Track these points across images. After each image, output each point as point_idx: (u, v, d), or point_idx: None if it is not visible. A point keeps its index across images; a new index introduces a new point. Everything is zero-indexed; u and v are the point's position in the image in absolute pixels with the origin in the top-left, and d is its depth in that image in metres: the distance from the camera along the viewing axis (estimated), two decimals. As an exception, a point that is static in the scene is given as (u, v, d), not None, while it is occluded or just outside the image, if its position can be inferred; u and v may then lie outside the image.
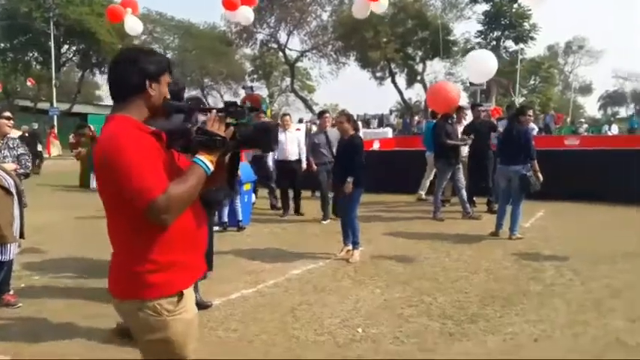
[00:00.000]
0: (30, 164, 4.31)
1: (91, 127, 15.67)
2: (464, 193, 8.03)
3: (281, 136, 8.26)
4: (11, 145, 4.16)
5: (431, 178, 9.47)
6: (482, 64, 7.98)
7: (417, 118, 30.34)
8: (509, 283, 4.81)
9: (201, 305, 3.99)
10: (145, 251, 1.74)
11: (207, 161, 1.74)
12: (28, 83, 32.95)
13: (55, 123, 27.71)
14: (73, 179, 13.94)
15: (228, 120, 1.81)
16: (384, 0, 8.60)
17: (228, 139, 1.78)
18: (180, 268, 1.80)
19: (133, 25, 9.11)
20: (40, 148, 18.94)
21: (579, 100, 63.28)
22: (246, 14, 9.39)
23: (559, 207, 8.40)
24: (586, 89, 65.06)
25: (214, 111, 1.80)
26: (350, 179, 5.61)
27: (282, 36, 38.52)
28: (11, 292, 4.47)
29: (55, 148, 24.28)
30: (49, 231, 7.39)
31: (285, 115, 9.18)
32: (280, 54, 40.53)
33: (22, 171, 4.10)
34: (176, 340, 1.81)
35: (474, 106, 9.29)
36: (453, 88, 8.75)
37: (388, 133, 23.96)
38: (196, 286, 3.86)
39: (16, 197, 3.48)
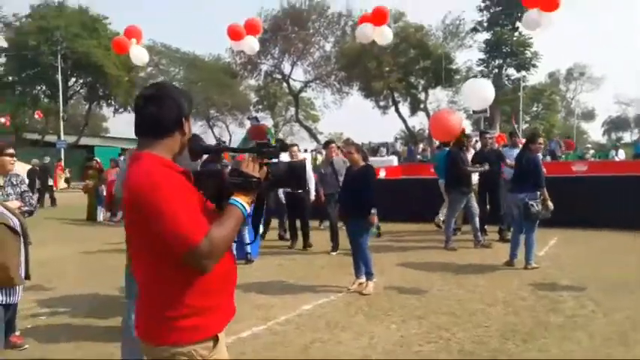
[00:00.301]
0: (34, 201, 4.23)
1: (98, 159, 15.75)
2: (477, 220, 7.92)
3: None
4: (14, 182, 4.08)
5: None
6: (479, 92, 8.01)
7: (421, 145, 30.37)
8: (529, 315, 4.66)
9: None
10: (180, 295, 1.65)
11: (244, 203, 1.70)
12: (36, 116, 33.32)
13: (63, 156, 27.91)
14: (80, 213, 13.92)
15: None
16: (388, 32, 8.67)
17: (262, 179, 1.74)
18: (215, 311, 1.72)
19: (138, 55, 9.21)
20: (50, 182, 18.93)
21: (583, 125, 63.42)
22: (251, 44, 9.48)
23: (571, 234, 8.28)
24: (589, 115, 65.28)
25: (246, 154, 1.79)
26: (374, 210, 5.53)
27: (286, 67, 39.09)
28: (17, 334, 4.36)
29: (62, 181, 24.34)
30: (55, 266, 7.30)
31: (292, 145, 9.08)
32: (284, 84, 40.99)
33: (26, 208, 4.02)
34: None
35: (482, 134, 9.26)
36: (454, 117, 8.72)
37: (394, 161, 23.95)
38: None
39: (21, 237, 3.40)
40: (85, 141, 36.59)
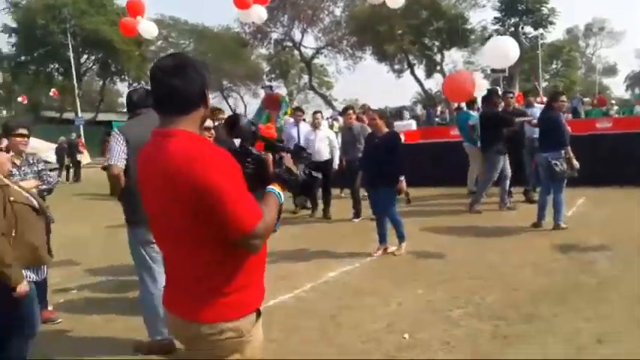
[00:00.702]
0: (52, 179, 4.24)
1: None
2: (507, 182, 7.74)
3: (311, 135, 8.15)
4: (31, 161, 4.09)
5: (477, 170, 9.10)
6: (502, 50, 7.69)
7: (439, 108, 29.89)
8: (560, 277, 4.56)
9: None
10: (227, 273, 1.64)
11: (282, 195, 1.77)
12: (52, 94, 33.45)
13: (82, 132, 28.07)
14: (104, 188, 14.06)
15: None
16: None
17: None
18: (255, 287, 1.74)
19: (147, 29, 9.03)
20: (79, 157, 19.22)
21: (605, 81, 61.54)
22: (259, 13, 9.21)
23: (598, 193, 8.05)
24: (610, 71, 63.25)
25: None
26: (402, 178, 5.50)
27: (297, 34, 38.41)
28: (50, 308, 4.43)
29: (84, 157, 24.54)
30: (83, 243, 7.39)
31: (315, 112, 8.82)
32: (296, 52, 40.40)
33: (44, 187, 4.03)
34: None
35: (505, 93, 8.97)
36: (467, 77, 8.43)
37: (412, 125, 23.56)
38: None
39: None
40: (102, 117, 36.73)
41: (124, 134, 3.30)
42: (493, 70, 22.97)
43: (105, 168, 12.56)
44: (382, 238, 5.81)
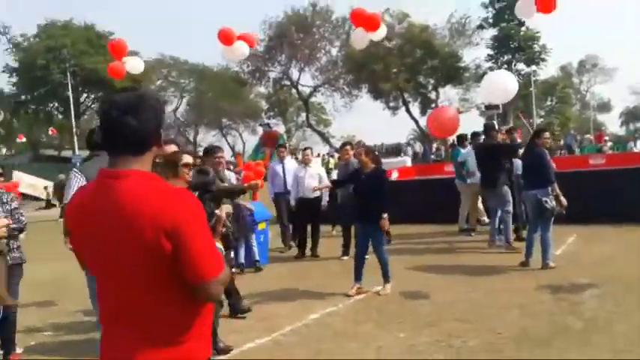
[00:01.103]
0: (24, 218, 4.21)
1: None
2: (497, 220, 7.63)
3: (301, 172, 8.04)
4: (4, 200, 4.09)
5: (468, 207, 9.03)
6: (500, 84, 7.68)
7: (435, 144, 30.08)
8: (546, 319, 4.42)
9: (223, 350, 3.97)
10: (186, 321, 1.54)
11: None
12: (50, 133, 33.74)
13: (77, 170, 28.12)
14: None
15: None
16: (382, 28, 8.41)
17: None
18: (207, 336, 1.64)
19: (134, 65, 9.08)
20: None
21: (599, 118, 62.18)
22: (242, 49, 9.20)
23: (590, 231, 7.95)
24: (604, 107, 64.02)
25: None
26: (385, 215, 5.44)
27: (294, 73, 39.12)
28: (19, 351, 4.28)
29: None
30: (63, 282, 7.22)
31: (305, 149, 8.82)
32: (293, 90, 41.01)
33: (15, 226, 4.00)
34: None
35: (498, 129, 8.96)
36: (449, 113, 8.43)
37: (407, 161, 23.66)
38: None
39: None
40: (99, 155, 36.89)
41: (84, 173, 3.28)
42: (487, 107, 23.33)
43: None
44: (358, 277, 5.70)
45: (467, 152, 8.84)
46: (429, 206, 10.19)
